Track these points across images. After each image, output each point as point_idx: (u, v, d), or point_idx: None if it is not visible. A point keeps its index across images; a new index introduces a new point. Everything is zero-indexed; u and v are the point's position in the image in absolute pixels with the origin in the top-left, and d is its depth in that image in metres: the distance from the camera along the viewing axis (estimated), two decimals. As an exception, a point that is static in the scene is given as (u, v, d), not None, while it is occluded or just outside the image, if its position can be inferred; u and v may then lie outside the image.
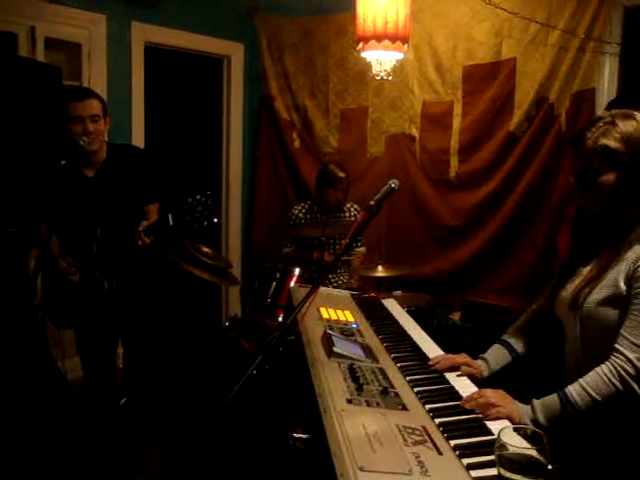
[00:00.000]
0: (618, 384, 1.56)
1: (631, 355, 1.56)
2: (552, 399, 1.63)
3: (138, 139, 4.50)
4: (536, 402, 1.65)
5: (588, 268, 1.77)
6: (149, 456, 3.17)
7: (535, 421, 1.61)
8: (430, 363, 1.95)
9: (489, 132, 4.14)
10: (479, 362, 1.98)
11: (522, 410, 1.64)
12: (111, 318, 3.02)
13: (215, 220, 2.66)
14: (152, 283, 3.21)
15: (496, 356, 1.99)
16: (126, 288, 3.00)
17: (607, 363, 1.60)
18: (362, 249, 4.26)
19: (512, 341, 2.00)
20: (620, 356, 1.58)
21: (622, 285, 1.63)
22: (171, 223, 2.65)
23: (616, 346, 1.60)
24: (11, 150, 2.96)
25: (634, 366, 1.56)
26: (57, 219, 2.90)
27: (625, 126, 1.64)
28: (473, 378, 1.89)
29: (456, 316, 3.87)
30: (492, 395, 1.65)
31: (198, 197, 2.59)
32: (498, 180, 4.11)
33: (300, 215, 4.27)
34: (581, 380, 1.61)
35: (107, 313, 3.00)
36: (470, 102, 4.21)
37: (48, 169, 2.93)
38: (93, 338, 3.05)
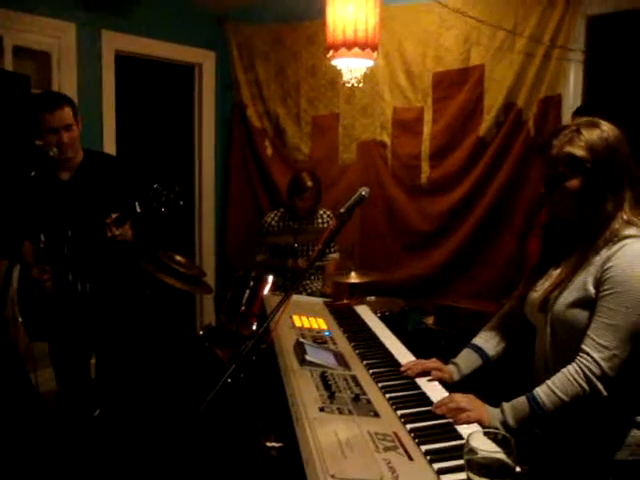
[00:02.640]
0: (584, 384, 1.59)
1: (596, 355, 1.60)
2: (521, 401, 1.66)
3: (110, 147, 4.47)
4: (505, 405, 1.68)
5: (558, 271, 1.81)
6: (123, 467, 3.15)
7: (505, 423, 1.64)
8: (402, 369, 1.97)
9: (459, 137, 4.19)
10: (450, 367, 2.01)
11: (492, 413, 1.67)
12: (85, 324, 2.99)
13: (181, 203, 2.67)
14: (126, 288, 3.19)
15: (466, 360, 2.02)
16: (100, 290, 2.98)
17: (573, 364, 1.63)
18: (335, 255, 4.28)
19: (482, 345, 2.03)
20: (586, 356, 1.61)
21: (591, 288, 1.67)
22: (138, 210, 2.65)
23: (582, 347, 1.63)
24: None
25: (599, 366, 1.59)
26: (29, 225, 2.88)
27: (590, 134, 1.69)
28: (444, 383, 1.92)
29: (430, 320, 3.90)
30: (462, 400, 1.67)
31: (163, 182, 2.60)
32: (469, 185, 4.15)
33: (273, 223, 4.28)
34: (548, 381, 1.65)
35: (81, 318, 2.96)
36: (440, 108, 4.25)
37: (17, 179, 2.90)
38: (67, 348, 3.02)
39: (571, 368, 1.63)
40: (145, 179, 2.72)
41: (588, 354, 1.61)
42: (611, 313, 1.61)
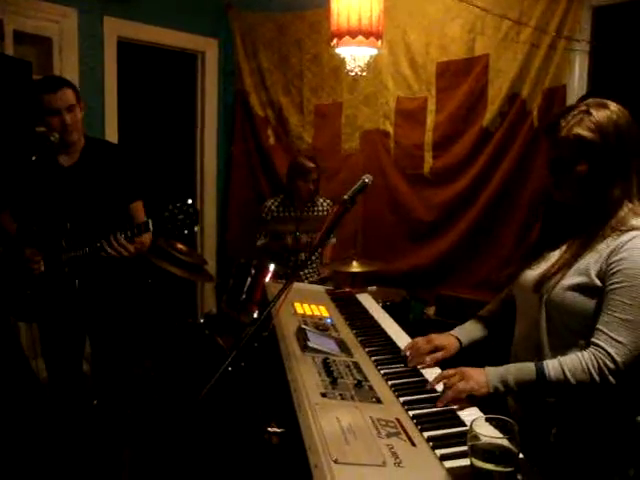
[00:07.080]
0: (596, 376, 1.56)
1: (612, 350, 1.56)
2: (528, 366, 1.65)
3: (111, 135, 4.45)
4: (512, 365, 1.69)
5: (557, 253, 1.77)
6: (123, 457, 3.14)
7: (505, 383, 1.64)
8: (408, 360, 1.94)
9: (463, 128, 4.17)
10: (451, 339, 2.00)
11: (492, 372, 1.67)
12: (78, 312, 2.95)
13: (195, 229, 2.64)
14: (126, 278, 3.16)
15: (469, 329, 2.03)
16: (97, 283, 2.94)
17: (589, 352, 1.59)
18: (332, 240, 4.28)
19: (487, 319, 2.05)
20: (601, 350, 1.57)
21: (594, 276, 1.64)
22: (151, 229, 2.63)
23: (594, 340, 1.60)
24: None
25: (614, 361, 1.55)
26: (25, 211, 2.85)
27: (599, 115, 1.64)
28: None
29: (431, 310, 3.89)
30: (457, 380, 1.66)
31: (179, 204, 2.56)
32: (472, 175, 4.13)
33: (273, 208, 4.27)
34: (560, 358, 1.62)
35: (74, 307, 2.93)
36: (444, 98, 4.23)
37: (18, 164, 2.88)
38: (58, 336, 2.98)
39: (586, 355, 1.59)
40: (160, 197, 2.68)
41: (603, 348, 1.57)
42: (624, 307, 1.57)
